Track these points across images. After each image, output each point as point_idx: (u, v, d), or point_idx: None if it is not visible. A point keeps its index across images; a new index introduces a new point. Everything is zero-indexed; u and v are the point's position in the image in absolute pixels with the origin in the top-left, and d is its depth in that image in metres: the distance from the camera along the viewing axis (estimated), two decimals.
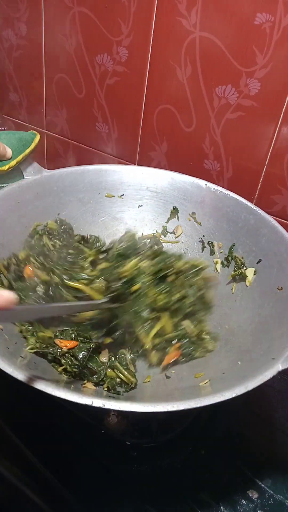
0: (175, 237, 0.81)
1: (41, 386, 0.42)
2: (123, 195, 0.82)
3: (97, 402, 0.41)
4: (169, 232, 0.82)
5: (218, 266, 0.75)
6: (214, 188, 0.77)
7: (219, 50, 0.73)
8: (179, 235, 0.81)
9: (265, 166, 0.79)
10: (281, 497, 0.55)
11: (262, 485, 0.56)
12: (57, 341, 0.59)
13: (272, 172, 0.78)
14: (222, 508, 0.53)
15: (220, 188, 0.76)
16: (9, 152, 0.74)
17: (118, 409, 0.40)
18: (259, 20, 0.68)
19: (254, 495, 0.55)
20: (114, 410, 0.41)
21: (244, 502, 0.54)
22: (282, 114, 0.72)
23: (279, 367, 0.47)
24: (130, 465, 0.57)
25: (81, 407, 0.41)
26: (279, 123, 0.73)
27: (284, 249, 0.65)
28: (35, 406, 0.63)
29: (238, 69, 0.73)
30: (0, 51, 1.06)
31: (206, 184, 0.77)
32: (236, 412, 0.65)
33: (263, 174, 0.80)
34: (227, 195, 0.75)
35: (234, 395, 0.43)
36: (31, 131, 0.79)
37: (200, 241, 0.78)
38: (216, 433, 0.62)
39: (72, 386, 0.54)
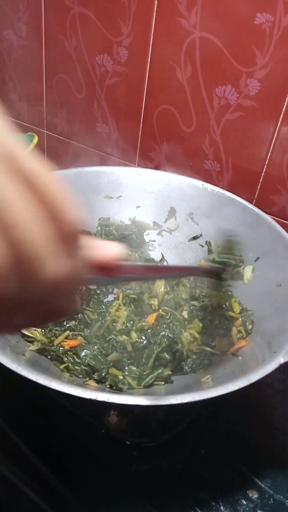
0: (171, 232, 0.82)
1: (45, 381, 0.42)
2: (121, 196, 0.82)
3: (102, 396, 0.41)
4: (164, 230, 0.82)
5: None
6: (211, 188, 0.77)
7: (219, 50, 0.74)
8: (175, 229, 0.81)
9: (265, 167, 0.79)
10: (281, 497, 0.55)
11: (262, 485, 0.56)
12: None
13: (272, 172, 0.78)
14: (222, 507, 0.53)
15: (216, 188, 0.77)
16: None
17: (122, 403, 0.40)
18: (259, 20, 0.68)
19: (254, 494, 0.55)
20: (118, 405, 0.40)
21: (244, 502, 0.54)
22: (282, 114, 0.72)
23: (281, 360, 0.47)
24: (130, 464, 0.57)
25: (83, 405, 0.41)
26: (279, 123, 0.73)
27: (282, 247, 0.65)
28: (35, 406, 0.63)
29: (238, 69, 0.73)
30: (0, 51, 1.06)
31: (203, 185, 0.78)
32: (236, 412, 0.65)
33: (262, 174, 0.80)
34: (224, 195, 0.76)
35: (237, 387, 0.43)
36: (29, 133, 0.80)
37: (199, 244, 0.79)
38: (216, 432, 0.62)
39: (75, 383, 0.54)
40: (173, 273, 0.54)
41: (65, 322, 0.65)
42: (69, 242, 0.21)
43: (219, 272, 0.59)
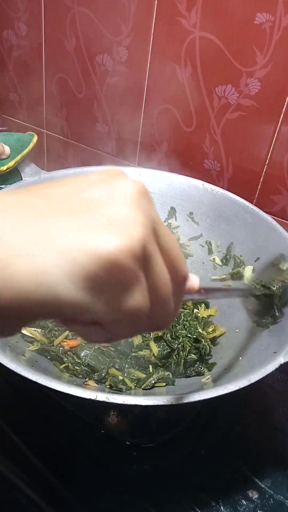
0: (172, 228, 0.81)
1: (44, 381, 0.42)
2: None
3: (101, 396, 0.41)
4: None
5: (217, 261, 0.75)
6: (211, 188, 0.77)
7: (219, 50, 0.73)
8: (176, 227, 0.81)
9: (265, 166, 0.79)
10: (281, 497, 0.55)
11: (262, 485, 0.56)
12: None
13: (272, 172, 0.78)
14: (222, 508, 0.53)
15: (217, 188, 0.76)
16: (7, 149, 0.74)
17: (122, 402, 0.40)
18: (259, 20, 0.68)
19: (254, 495, 0.55)
20: (117, 405, 0.40)
21: (244, 502, 0.54)
22: (282, 114, 0.72)
23: (281, 360, 0.47)
24: (129, 465, 0.57)
25: (82, 405, 0.41)
26: (279, 123, 0.73)
27: (282, 247, 0.65)
28: (35, 406, 0.63)
29: (238, 69, 0.73)
30: (0, 51, 1.06)
31: (203, 184, 0.78)
32: (236, 412, 0.65)
33: (263, 174, 0.80)
34: (224, 194, 0.76)
35: (237, 387, 0.43)
36: (29, 132, 0.80)
37: (199, 244, 0.79)
38: (216, 433, 0.62)
39: (75, 383, 0.54)
40: (230, 294, 0.63)
41: None
42: (181, 285, 0.29)
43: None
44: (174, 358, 0.60)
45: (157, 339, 0.62)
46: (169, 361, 0.60)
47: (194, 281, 0.34)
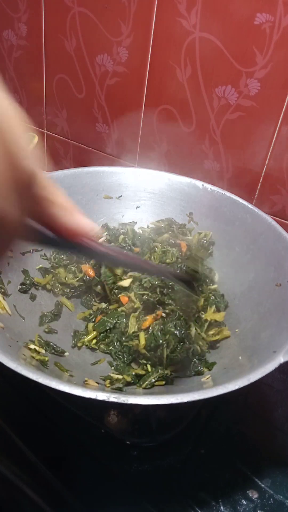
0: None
1: (44, 381, 0.42)
2: (121, 196, 0.82)
3: (102, 396, 0.41)
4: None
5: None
6: (210, 188, 0.77)
7: (219, 51, 0.74)
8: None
9: (265, 167, 0.79)
10: (281, 497, 0.55)
11: (262, 485, 0.56)
12: None
13: (272, 172, 0.78)
14: (222, 507, 0.53)
15: (216, 188, 0.77)
16: None
17: (123, 402, 0.40)
18: (259, 20, 0.68)
19: (254, 494, 0.55)
20: (118, 404, 0.40)
21: (244, 502, 0.54)
22: (282, 114, 0.72)
23: (281, 359, 0.47)
24: (130, 464, 0.57)
25: (82, 404, 0.41)
26: (279, 123, 0.73)
27: (282, 247, 0.65)
28: (35, 405, 0.63)
29: (238, 69, 0.73)
30: (0, 51, 1.06)
31: (203, 185, 0.78)
32: (236, 412, 0.65)
33: (262, 174, 0.80)
34: (224, 195, 0.76)
35: (237, 387, 0.43)
36: (29, 133, 0.80)
37: None
38: (216, 432, 0.62)
39: (75, 382, 0.54)
40: (140, 266, 0.51)
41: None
42: (20, 185, 0.23)
43: (188, 279, 0.58)
44: (159, 352, 0.60)
45: (146, 331, 0.62)
46: (156, 355, 0.60)
47: (86, 224, 0.27)
